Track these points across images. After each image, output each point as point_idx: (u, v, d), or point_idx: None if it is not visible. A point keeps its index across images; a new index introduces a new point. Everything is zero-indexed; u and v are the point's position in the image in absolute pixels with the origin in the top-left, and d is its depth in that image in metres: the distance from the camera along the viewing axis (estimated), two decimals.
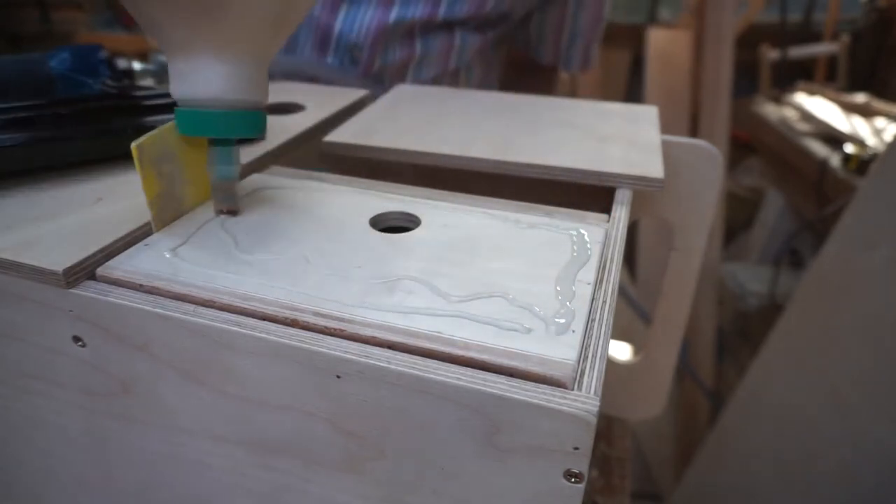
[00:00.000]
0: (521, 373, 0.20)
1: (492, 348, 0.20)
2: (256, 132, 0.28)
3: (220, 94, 0.26)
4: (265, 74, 0.27)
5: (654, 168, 0.35)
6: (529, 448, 0.20)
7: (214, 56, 0.25)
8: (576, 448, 0.19)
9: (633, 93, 1.95)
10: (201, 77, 0.25)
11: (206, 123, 0.26)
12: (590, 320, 0.22)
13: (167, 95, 0.36)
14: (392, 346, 0.21)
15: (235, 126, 0.27)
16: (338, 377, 0.21)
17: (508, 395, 0.19)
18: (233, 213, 0.29)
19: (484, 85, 0.68)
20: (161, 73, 0.46)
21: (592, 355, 0.21)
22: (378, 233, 0.28)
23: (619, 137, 0.39)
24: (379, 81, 0.60)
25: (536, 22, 0.66)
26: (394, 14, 0.57)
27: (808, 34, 1.95)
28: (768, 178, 1.57)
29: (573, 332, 0.21)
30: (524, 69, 0.74)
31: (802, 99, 1.52)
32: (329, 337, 0.21)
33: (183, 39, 0.25)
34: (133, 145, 0.25)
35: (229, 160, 0.28)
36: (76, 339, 0.25)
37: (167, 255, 0.25)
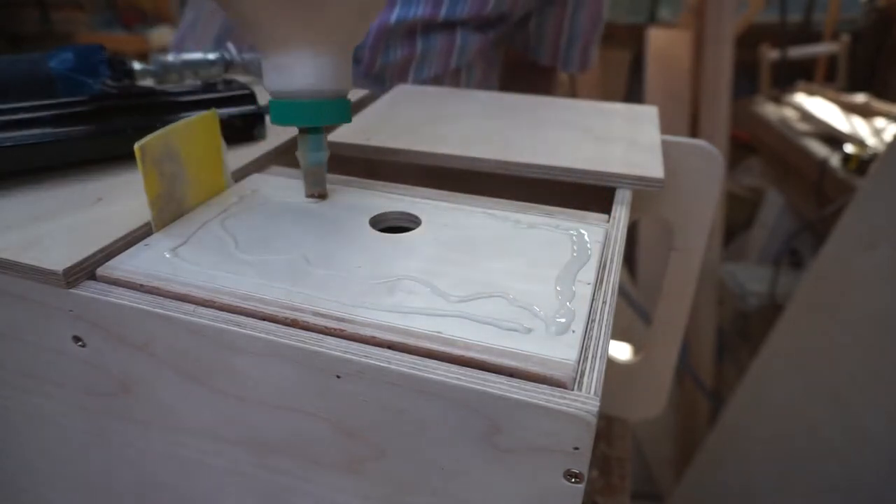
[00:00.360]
0: (522, 373, 0.20)
1: (492, 348, 0.20)
2: (347, 118, 0.30)
3: (315, 85, 0.28)
4: (350, 63, 0.29)
5: (654, 168, 0.35)
6: (529, 448, 0.20)
7: (311, 49, 0.27)
8: (576, 448, 0.19)
9: (633, 93, 1.95)
10: (298, 70, 0.27)
11: (303, 113, 0.28)
12: (590, 320, 0.22)
13: (167, 95, 0.36)
14: (392, 346, 0.21)
15: (329, 114, 0.29)
16: (338, 377, 0.21)
17: (508, 395, 0.19)
18: (322, 196, 0.31)
19: (484, 85, 0.68)
20: (161, 73, 0.46)
21: (592, 355, 0.21)
22: (378, 233, 0.28)
23: (619, 137, 0.39)
24: (380, 81, 0.60)
25: (535, 23, 0.66)
26: (395, 14, 0.57)
27: (808, 34, 1.95)
28: (768, 178, 1.57)
29: (573, 332, 0.21)
30: (523, 69, 0.74)
31: (802, 99, 1.52)
32: (329, 337, 0.21)
33: (283, 36, 0.27)
34: (136, 146, 0.25)
35: (320, 146, 0.30)
36: (76, 339, 0.25)
37: (167, 255, 0.25)
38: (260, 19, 0.27)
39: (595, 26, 0.66)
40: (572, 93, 1.57)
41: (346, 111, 0.30)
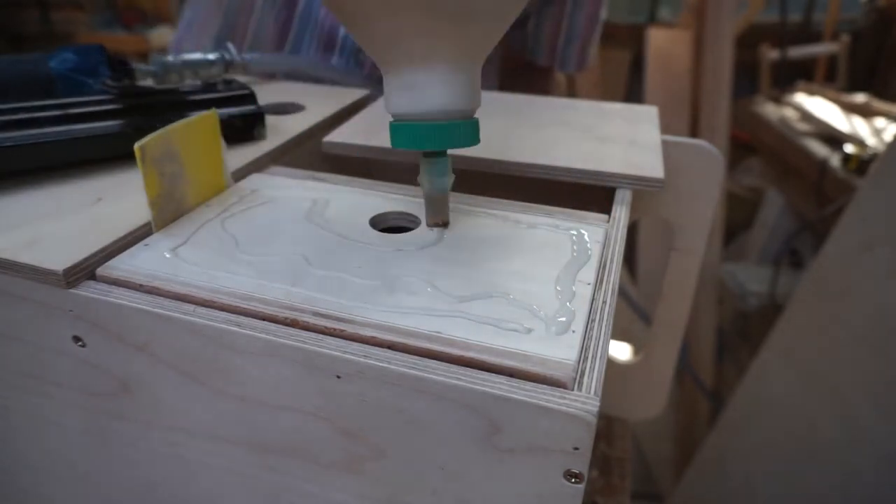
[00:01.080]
0: (521, 373, 0.20)
1: (492, 348, 0.20)
2: (477, 139, 0.27)
3: (447, 106, 0.25)
4: (478, 82, 0.26)
5: (654, 168, 0.35)
6: (529, 448, 0.20)
7: (452, 65, 0.24)
8: (576, 448, 0.19)
9: (633, 93, 1.94)
10: (432, 90, 0.25)
11: (434, 136, 0.25)
12: (590, 320, 0.22)
13: (167, 95, 0.36)
14: (392, 346, 0.21)
15: (463, 136, 0.26)
16: (338, 377, 0.21)
17: (508, 395, 0.19)
18: (445, 224, 0.28)
19: (483, 86, 0.68)
20: (161, 74, 0.46)
21: (592, 355, 0.21)
22: (378, 233, 0.28)
23: (619, 137, 0.39)
24: (381, 82, 0.60)
25: (533, 23, 0.66)
26: None
27: (808, 34, 1.95)
28: (768, 178, 1.57)
29: (573, 332, 0.21)
30: (520, 70, 0.74)
31: (802, 99, 1.52)
32: (329, 337, 0.21)
33: (423, 52, 0.24)
34: (136, 146, 0.25)
35: (445, 171, 0.27)
36: (76, 339, 0.25)
37: (167, 255, 0.25)
38: (398, 35, 0.24)
39: (593, 26, 0.66)
40: (572, 93, 1.57)
41: (476, 132, 0.27)
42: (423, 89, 0.25)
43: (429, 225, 0.28)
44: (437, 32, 0.23)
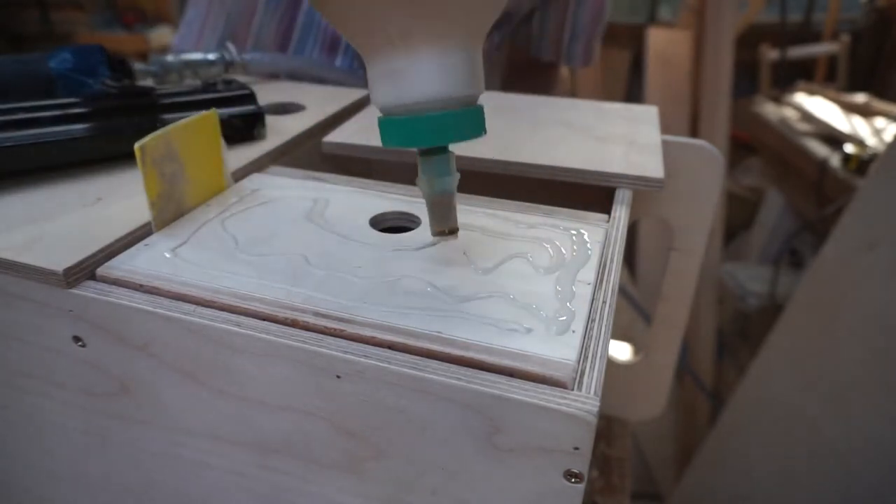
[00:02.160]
0: (521, 373, 0.20)
1: (492, 348, 0.20)
2: (482, 130, 0.23)
3: (441, 93, 0.21)
4: (479, 60, 0.23)
5: (654, 168, 0.35)
6: (529, 448, 0.20)
7: (437, 45, 0.21)
8: (576, 448, 0.19)
9: (633, 93, 1.95)
10: (420, 75, 0.21)
11: (428, 130, 0.22)
12: (590, 320, 0.22)
13: (168, 95, 0.36)
14: (392, 346, 0.21)
15: (463, 127, 0.22)
16: (338, 377, 0.21)
17: (508, 395, 0.19)
18: (454, 232, 0.24)
19: (487, 87, 0.68)
20: (161, 73, 0.46)
21: (592, 355, 0.21)
22: (378, 233, 0.28)
23: (619, 137, 0.39)
24: None
25: (538, 19, 0.66)
26: None
27: (808, 34, 1.95)
28: (768, 178, 1.57)
29: (573, 332, 0.21)
30: (525, 69, 0.74)
31: (802, 99, 1.52)
32: (329, 337, 0.21)
33: (401, 29, 0.21)
34: (136, 146, 0.25)
35: (447, 169, 0.23)
36: (76, 339, 0.25)
37: (167, 255, 0.25)
38: (371, 13, 0.21)
39: (598, 21, 0.67)
40: (572, 93, 1.57)
41: (480, 121, 0.23)
42: (409, 75, 0.21)
43: (434, 234, 0.25)
44: (412, 7, 0.20)
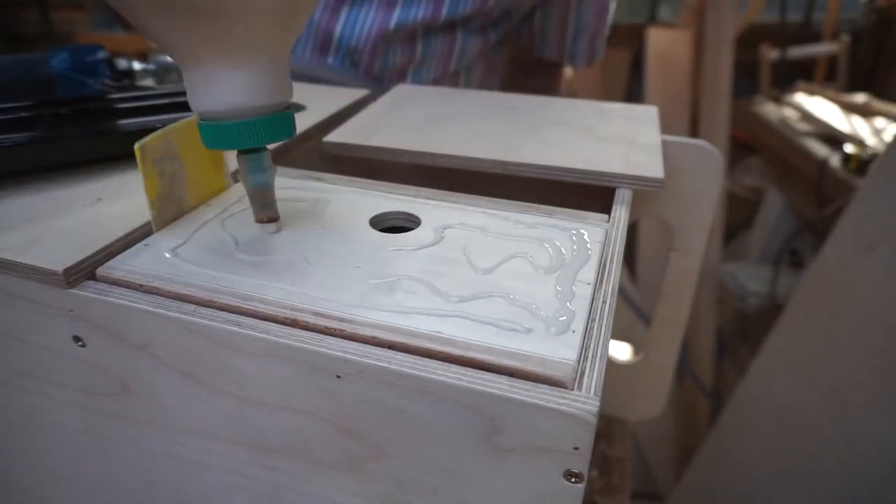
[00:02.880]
0: (522, 373, 0.20)
1: (492, 348, 0.20)
2: (285, 135, 0.26)
3: (238, 103, 0.24)
4: (284, 71, 0.25)
5: (654, 168, 0.35)
6: (529, 448, 0.20)
7: (224, 62, 0.23)
8: (576, 448, 0.19)
9: (633, 93, 1.95)
10: (216, 87, 0.24)
11: (231, 136, 0.25)
12: (590, 320, 0.22)
13: (167, 95, 0.36)
14: (392, 346, 0.21)
15: (261, 134, 0.25)
16: (338, 377, 0.21)
17: (508, 395, 0.19)
18: (273, 220, 0.27)
19: (484, 86, 0.68)
20: (161, 73, 0.46)
21: (592, 355, 0.21)
22: (378, 233, 0.28)
23: (619, 137, 0.39)
24: (380, 82, 0.60)
25: (540, 17, 0.66)
26: (396, 17, 0.57)
27: (808, 34, 1.95)
28: (768, 178, 1.57)
29: (573, 332, 0.21)
30: (528, 68, 0.74)
31: (802, 99, 1.52)
32: (329, 337, 0.21)
33: (189, 48, 0.23)
34: (136, 146, 0.25)
35: (261, 167, 0.26)
36: (76, 339, 0.25)
37: (167, 255, 0.25)
38: (160, 31, 0.23)
39: (601, 18, 0.66)
40: (572, 93, 1.57)
41: (286, 126, 0.26)
42: (206, 88, 0.24)
43: (256, 221, 0.27)
44: (190, 30, 0.22)
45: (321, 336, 0.21)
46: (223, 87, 0.24)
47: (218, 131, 0.25)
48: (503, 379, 0.20)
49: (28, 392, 0.28)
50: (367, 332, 0.21)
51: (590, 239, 0.28)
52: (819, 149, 1.28)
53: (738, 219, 1.62)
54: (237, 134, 0.24)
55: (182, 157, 0.28)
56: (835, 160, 1.21)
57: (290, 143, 0.38)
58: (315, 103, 0.45)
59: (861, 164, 1.15)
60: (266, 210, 0.27)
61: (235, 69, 0.23)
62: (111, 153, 0.33)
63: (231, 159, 0.33)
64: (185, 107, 0.36)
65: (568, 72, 0.77)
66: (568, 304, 0.23)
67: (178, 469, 0.27)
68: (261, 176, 0.26)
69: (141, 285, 0.24)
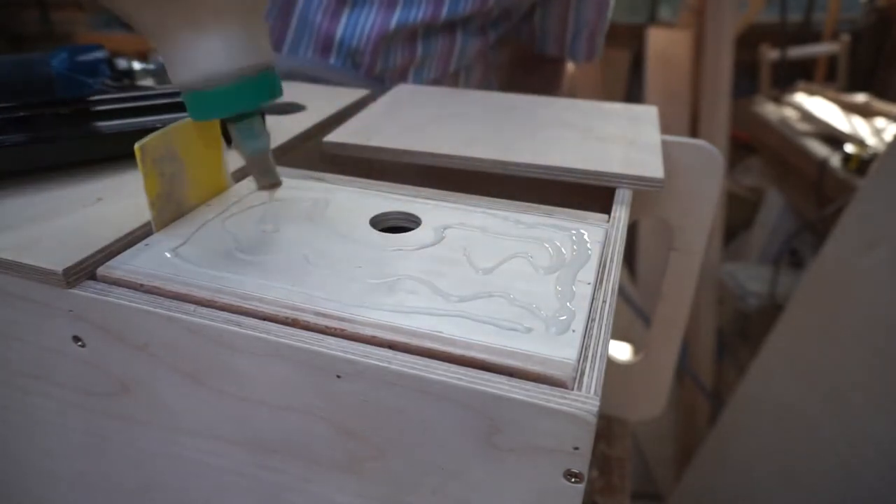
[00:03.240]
0: (522, 372, 0.20)
1: (492, 348, 0.20)
2: (268, 96, 0.26)
3: (215, 69, 0.24)
4: (260, 31, 0.25)
5: (654, 168, 0.35)
6: (529, 448, 0.20)
7: (193, 30, 0.23)
8: (576, 448, 0.19)
9: (633, 93, 1.95)
10: (189, 56, 0.24)
11: (214, 103, 0.24)
12: (590, 320, 0.22)
13: (167, 95, 0.36)
14: (392, 345, 0.21)
15: (246, 97, 0.25)
16: (338, 377, 0.21)
17: (509, 395, 0.19)
18: (276, 185, 0.28)
19: (483, 86, 0.68)
20: (161, 73, 0.46)
21: (592, 355, 0.21)
22: (378, 233, 0.28)
23: (619, 137, 0.39)
24: (381, 82, 0.60)
25: (539, 15, 0.66)
26: (396, 18, 0.57)
27: (808, 34, 1.95)
28: (768, 178, 1.57)
29: (573, 331, 0.21)
30: (529, 66, 0.74)
31: (802, 99, 1.52)
32: (329, 337, 0.21)
33: (156, 21, 0.23)
34: (136, 146, 0.25)
35: (252, 133, 0.26)
36: (76, 339, 0.25)
37: (167, 255, 0.25)
38: (125, 9, 0.23)
39: (601, 15, 0.66)
40: (572, 93, 1.58)
41: (268, 86, 0.25)
42: (181, 58, 0.24)
43: (258, 189, 0.28)
44: (152, 1, 0.22)
45: (321, 336, 0.21)
46: (198, 55, 0.23)
47: (200, 100, 0.25)
48: (503, 379, 0.20)
49: (28, 392, 0.28)
50: (368, 331, 0.21)
51: (590, 239, 0.28)
52: (819, 149, 1.28)
53: (738, 219, 1.62)
54: (220, 100, 0.24)
55: (182, 157, 0.28)
56: (835, 160, 1.21)
57: (290, 143, 0.38)
58: (315, 103, 0.45)
59: (861, 164, 1.15)
60: (266, 176, 0.27)
61: (208, 36, 0.23)
62: (111, 153, 0.33)
63: (232, 160, 0.33)
64: (185, 107, 0.36)
65: (570, 67, 0.77)
66: (568, 303, 0.23)
67: (178, 469, 0.27)
68: (255, 142, 0.26)
69: (141, 285, 0.24)
